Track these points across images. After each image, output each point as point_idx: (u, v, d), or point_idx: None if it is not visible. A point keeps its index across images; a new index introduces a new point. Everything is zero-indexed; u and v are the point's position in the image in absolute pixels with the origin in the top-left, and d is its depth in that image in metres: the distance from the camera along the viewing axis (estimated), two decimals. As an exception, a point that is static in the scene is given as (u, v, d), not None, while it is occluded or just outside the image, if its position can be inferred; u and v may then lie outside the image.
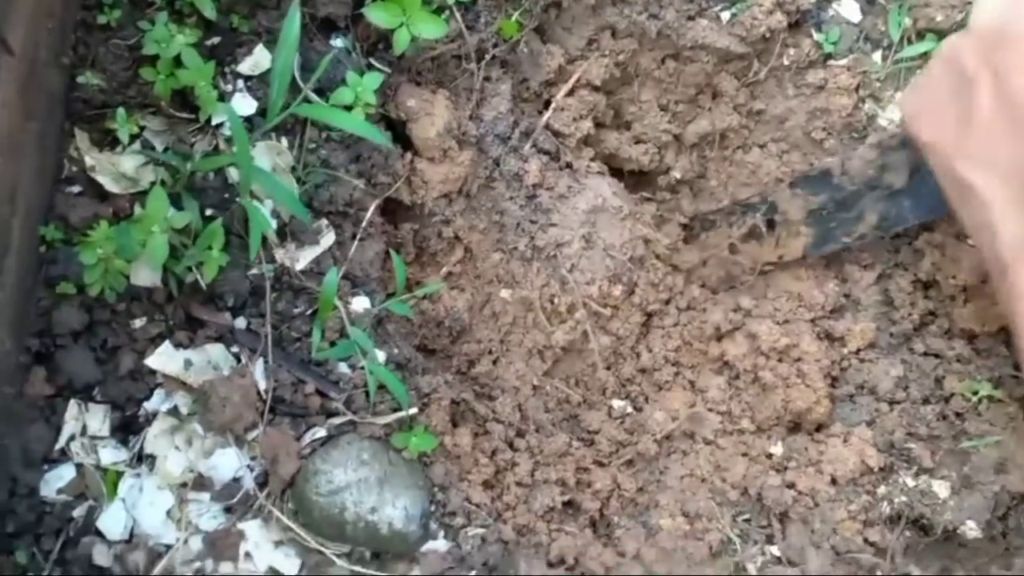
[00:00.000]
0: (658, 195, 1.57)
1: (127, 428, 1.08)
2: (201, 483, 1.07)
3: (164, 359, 1.07)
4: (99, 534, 1.04)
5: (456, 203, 1.33)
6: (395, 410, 1.15)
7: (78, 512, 1.05)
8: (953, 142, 1.05)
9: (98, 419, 1.07)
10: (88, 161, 1.08)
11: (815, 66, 1.44)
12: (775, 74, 1.46)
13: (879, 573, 1.23)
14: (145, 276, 1.08)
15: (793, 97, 1.46)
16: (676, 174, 1.55)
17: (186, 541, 1.05)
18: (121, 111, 1.07)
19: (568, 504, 1.30)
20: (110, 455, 1.06)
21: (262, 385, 1.11)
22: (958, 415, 1.32)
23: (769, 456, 1.38)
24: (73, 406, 1.06)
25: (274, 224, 1.14)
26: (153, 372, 1.08)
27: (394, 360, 1.20)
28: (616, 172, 1.50)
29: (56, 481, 1.04)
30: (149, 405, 1.08)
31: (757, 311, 1.46)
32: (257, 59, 1.14)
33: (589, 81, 1.42)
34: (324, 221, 1.18)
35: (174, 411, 1.09)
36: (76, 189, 1.08)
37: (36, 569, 1.01)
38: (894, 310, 1.41)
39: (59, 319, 1.05)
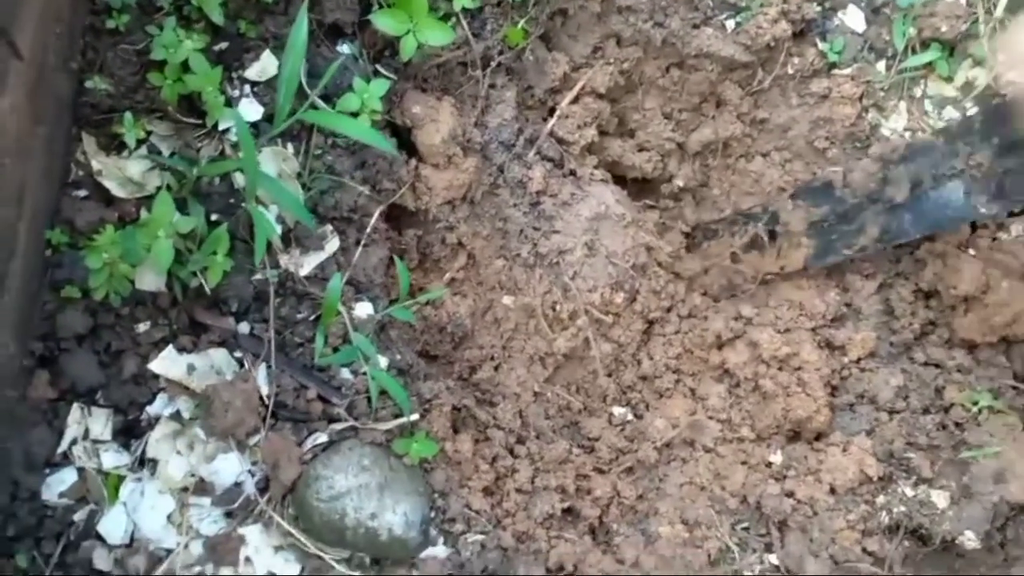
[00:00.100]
0: (661, 203, 1.57)
1: (129, 432, 1.08)
2: (202, 488, 1.07)
3: (167, 363, 1.07)
4: (100, 538, 1.04)
5: (460, 209, 1.33)
6: (396, 416, 1.15)
7: (79, 516, 1.05)
8: None
9: (100, 423, 1.07)
10: (95, 165, 1.08)
11: (819, 75, 1.44)
12: (779, 83, 1.46)
13: (877, 583, 1.24)
14: (150, 280, 1.08)
15: (796, 106, 1.47)
16: (679, 182, 1.55)
17: (187, 545, 1.05)
18: (128, 116, 1.07)
19: (568, 511, 1.30)
20: (112, 459, 1.06)
21: (264, 390, 1.11)
22: (958, 425, 1.32)
23: (769, 464, 1.39)
24: (76, 410, 1.06)
25: (279, 229, 1.14)
26: (156, 376, 1.08)
27: (396, 366, 1.20)
28: (619, 180, 1.51)
29: (58, 485, 1.04)
30: (151, 409, 1.09)
31: (758, 319, 1.46)
32: (264, 65, 1.14)
33: (594, 89, 1.42)
34: (329, 227, 1.18)
35: (176, 415, 1.09)
36: (83, 193, 1.08)
37: (36, 572, 1.01)
38: (895, 319, 1.42)
39: (63, 323, 1.05)
